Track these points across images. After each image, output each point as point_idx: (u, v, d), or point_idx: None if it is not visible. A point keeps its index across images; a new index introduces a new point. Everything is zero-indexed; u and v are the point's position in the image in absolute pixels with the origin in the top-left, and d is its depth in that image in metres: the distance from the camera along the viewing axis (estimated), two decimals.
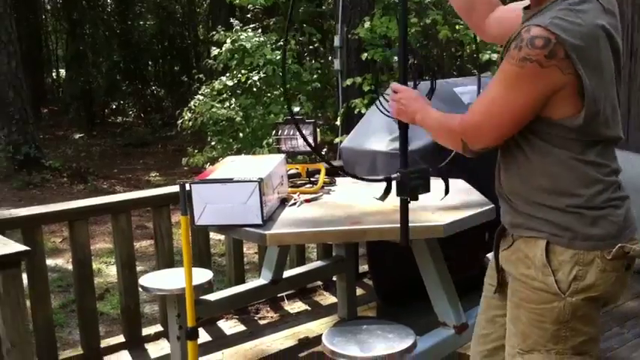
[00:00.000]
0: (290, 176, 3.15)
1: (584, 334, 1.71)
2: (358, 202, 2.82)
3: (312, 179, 3.20)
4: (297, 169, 3.32)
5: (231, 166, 2.80)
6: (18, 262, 2.51)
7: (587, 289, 1.67)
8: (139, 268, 3.65)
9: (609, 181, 1.70)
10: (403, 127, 2.03)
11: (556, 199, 1.68)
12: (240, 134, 8.03)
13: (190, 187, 2.46)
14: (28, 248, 2.58)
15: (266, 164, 2.78)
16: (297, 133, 3.09)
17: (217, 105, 8.02)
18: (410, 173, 1.96)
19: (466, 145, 1.75)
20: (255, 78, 8.08)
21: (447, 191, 2.26)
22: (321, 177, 3.14)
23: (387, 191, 2.02)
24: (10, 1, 9.90)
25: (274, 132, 3.18)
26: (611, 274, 1.68)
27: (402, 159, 2.01)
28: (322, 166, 3.22)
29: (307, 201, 2.87)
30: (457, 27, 7.96)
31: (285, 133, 3.13)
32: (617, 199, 1.71)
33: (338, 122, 7.18)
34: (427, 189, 1.99)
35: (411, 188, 1.96)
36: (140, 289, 3.06)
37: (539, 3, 1.68)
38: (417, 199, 1.99)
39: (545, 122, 1.64)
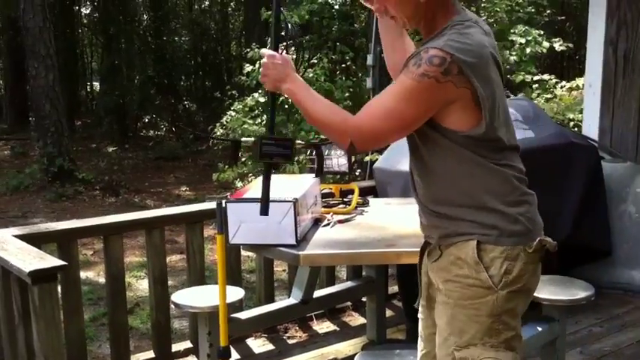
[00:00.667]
0: (323, 196, 3.15)
1: (512, 329, 1.85)
2: (392, 223, 2.80)
3: (345, 199, 3.19)
4: (330, 189, 3.32)
5: None
6: (54, 277, 2.53)
7: (515, 281, 1.81)
8: (169, 284, 3.67)
9: (521, 178, 1.87)
10: (270, 95, 2.13)
11: (479, 200, 1.81)
12: None
13: (226, 205, 2.47)
14: (64, 263, 2.61)
15: (300, 184, 2.78)
16: (332, 153, 3.10)
17: (249, 121, 8.08)
18: (265, 139, 2.06)
19: (353, 145, 1.85)
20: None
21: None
22: (355, 197, 3.13)
23: (234, 156, 2.14)
24: (49, 16, 10.09)
25: (308, 152, 3.18)
26: (531, 266, 1.85)
27: (269, 125, 2.16)
28: (356, 187, 3.21)
29: (340, 222, 2.86)
30: None
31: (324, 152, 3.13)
32: (528, 195, 1.89)
33: None
34: (288, 159, 2.11)
35: (262, 154, 2.06)
36: (172, 305, 3.07)
37: (431, 32, 1.83)
38: (276, 166, 2.17)
39: (459, 135, 1.78)
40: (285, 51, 2.06)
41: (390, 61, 2.12)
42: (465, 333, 1.84)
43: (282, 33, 2.17)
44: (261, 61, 2.01)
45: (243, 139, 2.16)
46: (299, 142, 2.38)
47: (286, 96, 2.00)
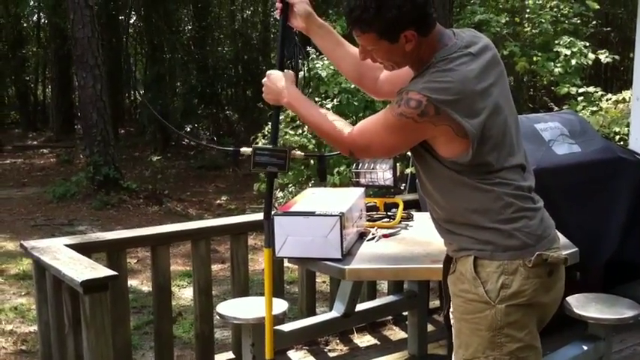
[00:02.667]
0: (367, 209, 3.16)
1: (519, 341, 1.87)
2: (436, 238, 2.77)
3: (389, 213, 3.19)
4: (374, 202, 3.32)
5: (312, 198, 2.82)
6: (106, 287, 2.59)
7: (514, 295, 1.85)
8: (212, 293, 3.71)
9: (517, 195, 1.88)
10: (275, 108, 2.33)
11: (477, 219, 1.88)
12: (312, 161, 8.10)
13: (273, 218, 2.50)
14: (115, 273, 2.67)
15: (346, 198, 2.79)
16: (377, 167, 3.11)
17: (291, 132, 8.13)
18: (259, 149, 2.25)
19: (354, 154, 2.04)
20: (329, 106, 8.16)
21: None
22: (399, 211, 3.13)
23: (234, 161, 2.30)
24: (97, 27, 10.30)
25: (354, 165, 3.20)
26: (534, 281, 1.86)
27: (272, 137, 2.37)
28: (400, 201, 3.22)
29: (385, 236, 2.87)
30: (535, 59, 7.88)
31: (366, 167, 3.15)
32: (527, 211, 1.90)
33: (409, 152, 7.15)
34: (282, 169, 2.27)
35: (255, 163, 2.24)
36: (215, 315, 3.11)
37: (418, 69, 1.89)
38: (274, 175, 2.31)
39: (447, 160, 1.86)
40: (292, 67, 2.28)
41: (344, 72, 2.29)
42: (469, 346, 1.91)
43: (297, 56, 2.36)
44: (264, 79, 2.20)
45: (242, 149, 2.25)
46: (299, 152, 2.44)
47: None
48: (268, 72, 2.20)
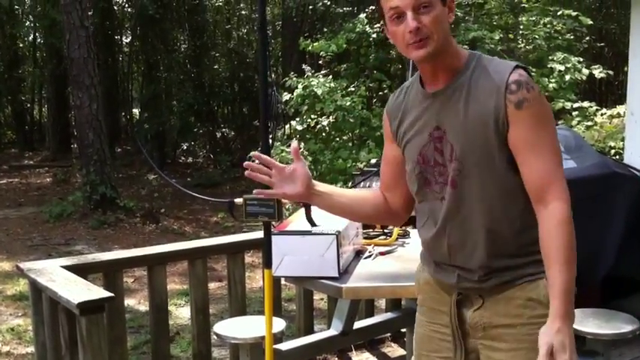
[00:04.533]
0: (364, 227, 3.16)
1: None
2: None
3: (386, 231, 3.20)
4: None
5: None
6: (102, 308, 2.58)
7: None
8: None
9: None
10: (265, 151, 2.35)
11: (534, 236, 1.69)
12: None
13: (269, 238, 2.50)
14: (111, 294, 2.67)
15: None
16: (373, 185, 3.12)
17: (287, 149, 8.15)
18: (249, 199, 2.24)
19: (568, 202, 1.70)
20: (325, 123, 8.20)
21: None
22: (396, 229, 3.13)
23: (230, 212, 2.42)
24: (93, 47, 10.34)
25: (350, 183, 3.21)
26: None
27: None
28: None
29: (382, 253, 2.87)
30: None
31: (362, 184, 3.15)
32: None
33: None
34: (272, 217, 2.27)
35: (247, 214, 2.25)
36: (213, 335, 3.10)
37: (451, 62, 1.74)
38: (270, 225, 2.35)
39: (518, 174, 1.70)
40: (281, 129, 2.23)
41: (363, 217, 2.13)
42: None
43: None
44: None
45: (235, 200, 2.28)
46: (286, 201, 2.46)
47: None
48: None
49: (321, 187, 1.94)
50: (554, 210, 1.67)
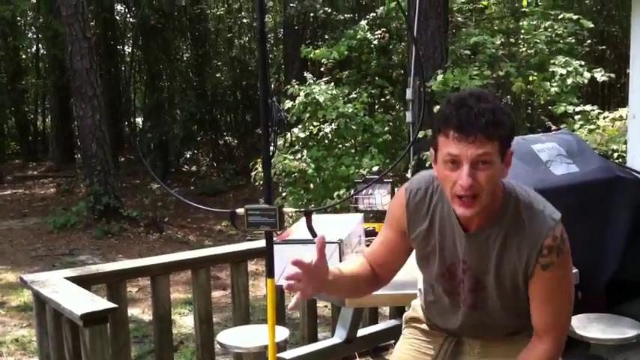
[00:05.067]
0: (367, 234, 3.16)
1: None
2: None
3: None
4: (373, 227, 3.33)
5: None
6: (105, 319, 2.59)
7: None
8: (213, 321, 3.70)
9: None
10: (266, 159, 2.34)
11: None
12: (312, 185, 8.12)
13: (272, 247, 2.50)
14: (115, 305, 2.67)
15: (345, 224, 2.80)
16: (375, 192, 3.12)
17: (289, 157, 8.16)
18: (250, 210, 2.29)
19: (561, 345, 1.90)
20: (327, 130, 8.20)
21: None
22: None
23: (232, 222, 2.39)
24: (96, 58, 10.37)
25: (352, 190, 3.21)
26: None
27: (265, 195, 2.37)
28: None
29: None
30: (531, 78, 7.92)
31: (363, 192, 3.16)
32: None
33: (409, 174, 7.18)
34: (274, 227, 2.29)
35: (249, 224, 2.29)
36: (217, 344, 3.10)
37: (489, 210, 1.78)
38: (270, 233, 2.35)
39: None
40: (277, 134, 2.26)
41: (364, 291, 2.09)
42: None
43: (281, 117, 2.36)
44: None
45: (237, 210, 2.28)
46: (289, 209, 2.47)
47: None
48: None
49: (331, 274, 1.88)
50: (544, 350, 1.86)
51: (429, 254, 1.94)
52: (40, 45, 20.78)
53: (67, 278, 3.02)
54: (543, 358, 1.86)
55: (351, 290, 2.03)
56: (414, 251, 2.01)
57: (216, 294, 6.43)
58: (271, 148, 2.19)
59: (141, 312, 6.04)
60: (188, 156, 18.38)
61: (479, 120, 1.64)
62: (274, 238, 2.58)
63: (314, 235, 2.49)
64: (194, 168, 17.92)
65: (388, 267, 2.04)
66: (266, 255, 2.35)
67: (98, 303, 2.64)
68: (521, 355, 1.89)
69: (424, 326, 2.14)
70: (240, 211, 2.35)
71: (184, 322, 5.75)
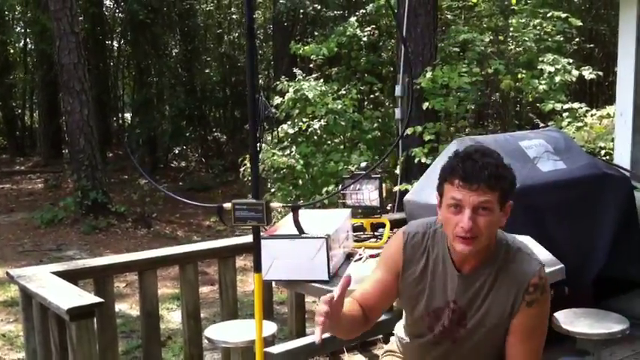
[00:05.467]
0: (354, 230, 3.16)
1: None
2: None
3: (376, 233, 3.20)
4: (361, 223, 3.33)
5: None
6: (92, 313, 2.58)
7: None
8: (201, 316, 3.69)
9: None
10: (254, 154, 2.33)
11: None
12: (300, 182, 8.11)
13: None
14: (101, 300, 2.66)
15: (332, 219, 2.80)
16: (363, 187, 3.12)
17: (278, 153, 8.14)
18: (238, 204, 2.29)
19: None
20: (316, 126, 8.19)
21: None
22: (386, 231, 3.14)
23: (219, 217, 2.40)
24: (84, 53, 10.31)
25: (340, 186, 3.21)
26: None
27: (253, 190, 2.38)
28: (387, 221, 3.22)
29: (372, 256, 2.88)
30: (519, 76, 7.95)
31: (351, 187, 3.16)
32: None
33: (397, 171, 7.19)
34: (261, 222, 2.29)
35: (236, 218, 2.29)
36: (205, 339, 3.10)
37: (484, 255, 1.95)
38: (259, 229, 2.35)
39: None
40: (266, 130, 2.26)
41: (361, 327, 2.10)
42: None
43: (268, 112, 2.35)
44: None
45: (224, 205, 2.27)
46: (276, 205, 2.45)
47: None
48: None
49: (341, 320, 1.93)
50: None
51: (418, 294, 2.06)
52: (28, 40, 20.65)
53: (54, 273, 3.00)
54: None
55: (348, 331, 2.06)
56: (401, 293, 2.10)
57: (204, 289, 6.42)
58: (259, 142, 2.18)
59: (129, 307, 6.02)
60: (177, 152, 18.32)
61: (482, 172, 1.83)
62: (262, 233, 2.58)
63: (301, 231, 2.50)
64: (183, 164, 17.86)
65: (376, 308, 2.12)
66: (253, 250, 2.35)
67: (85, 297, 2.62)
68: None
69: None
70: (228, 205, 2.34)
71: (172, 317, 5.73)
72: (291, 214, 3.03)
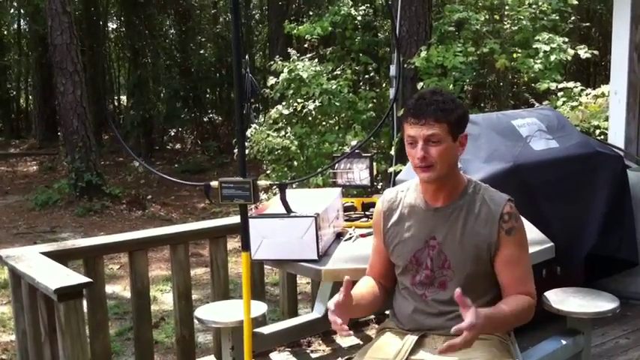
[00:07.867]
0: (345, 209, 3.15)
1: None
2: None
3: (367, 213, 3.18)
4: (352, 202, 3.31)
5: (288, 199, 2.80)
6: (80, 294, 2.56)
7: None
8: (193, 297, 3.68)
9: None
10: (240, 132, 2.35)
11: None
12: (295, 163, 8.09)
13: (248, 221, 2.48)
14: (90, 280, 2.64)
15: (322, 198, 2.78)
16: (354, 166, 3.10)
17: (273, 134, 8.11)
18: (225, 182, 2.29)
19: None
20: (311, 107, 8.15)
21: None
22: None
23: (206, 195, 2.38)
24: (76, 33, 10.23)
25: (333, 165, 3.19)
26: None
27: (240, 168, 2.37)
28: (377, 200, 3.20)
29: (363, 235, 2.86)
30: (515, 55, 7.91)
31: (342, 167, 3.13)
32: None
33: (392, 151, 7.17)
34: (248, 200, 2.29)
35: (223, 197, 2.29)
36: (195, 320, 3.09)
37: (453, 186, 2.11)
38: (245, 206, 2.32)
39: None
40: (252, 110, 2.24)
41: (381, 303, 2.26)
42: None
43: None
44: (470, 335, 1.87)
45: (211, 183, 2.25)
46: (263, 182, 2.43)
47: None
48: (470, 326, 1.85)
49: (354, 300, 2.07)
50: (524, 298, 2.07)
51: (399, 241, 2.18)
52: (22, 21, 20.50)
53: (43, 253, 2.99)
54: (527, 302, 2.06)
55: (371, 308, 2.26)
56: (388, 246, 2.23)
57: (198, 271, 6.42)
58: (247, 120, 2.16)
59: (122, 289, 6.02)
60: (172, 134, 18.26)
61: (429, 108, 2.01)
62: (251, 212, 2.57)
63: (289, 210, 2.48)
64: (178, 146, 17.82)
65: (387, 275, 2.28)
66: (241, 228, 2.33)
67: (73, 277, 2.60)
68: (510, 298, 2.06)
69: (394, 329, 2.28)
70: (215, 184, 2.32)
71: (166, 298, 5.73)
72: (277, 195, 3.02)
